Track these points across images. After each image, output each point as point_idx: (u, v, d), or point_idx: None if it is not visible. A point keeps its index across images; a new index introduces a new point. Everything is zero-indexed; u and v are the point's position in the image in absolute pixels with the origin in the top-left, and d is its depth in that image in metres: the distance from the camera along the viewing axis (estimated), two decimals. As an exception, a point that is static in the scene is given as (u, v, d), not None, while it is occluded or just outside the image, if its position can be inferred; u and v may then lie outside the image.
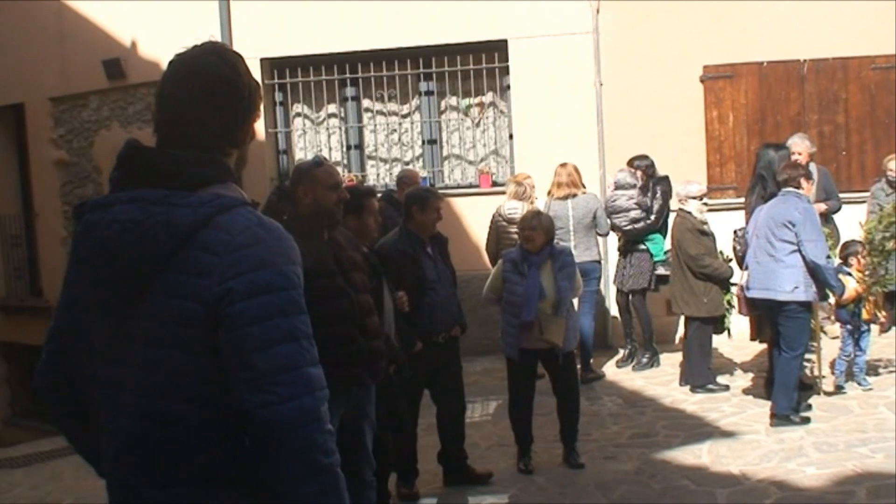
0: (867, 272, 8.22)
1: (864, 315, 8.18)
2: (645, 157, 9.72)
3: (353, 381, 4.75)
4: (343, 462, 4.92)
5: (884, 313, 8.59)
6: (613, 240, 10.05)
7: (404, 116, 11.93)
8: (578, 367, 9.48)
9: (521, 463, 6.94)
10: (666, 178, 9.62)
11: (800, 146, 8.60)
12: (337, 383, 4.52)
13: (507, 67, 11.29)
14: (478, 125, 11.79)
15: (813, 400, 7.94)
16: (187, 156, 2.28)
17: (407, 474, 6.56)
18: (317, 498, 2.19)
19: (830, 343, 9.05)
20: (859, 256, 8.20)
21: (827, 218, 8.81)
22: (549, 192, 9.54)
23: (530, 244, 6.91)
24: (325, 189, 4.69)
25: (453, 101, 11.77)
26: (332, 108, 12.03)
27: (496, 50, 11.30)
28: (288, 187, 4.91)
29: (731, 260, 8.69)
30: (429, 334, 6.36)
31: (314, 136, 12.09)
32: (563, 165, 9.57)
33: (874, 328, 8.93)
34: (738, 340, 9.55)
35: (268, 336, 2.14)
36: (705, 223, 8.79)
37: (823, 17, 10.76)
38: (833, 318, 8.60)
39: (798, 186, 7.48)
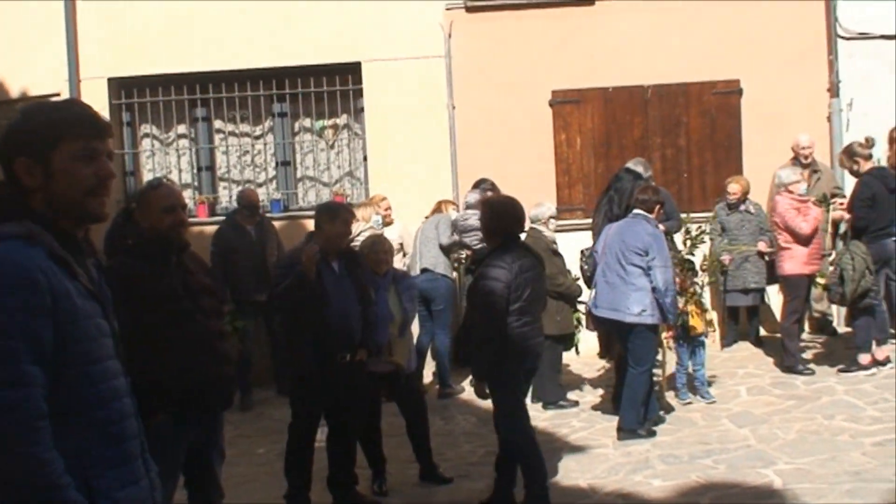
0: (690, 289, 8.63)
1: (690, 330, 8.55)
2: (485, 179, 9.94)
3: (203, 408, 4.65)
4: (191, 492, 4.88)
5: (711, 329, 8.93)
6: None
7: (257, 138, 11.80)
8: (437, 385, 9.65)
9: (375, 485, 6.93)
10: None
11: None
12: (185, 410, 4.47)
13: (361, 90, 11.32)
14: (332, 147, 11.77)
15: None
16: None
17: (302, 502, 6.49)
18: None
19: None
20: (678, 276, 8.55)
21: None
22: None
23: (382, 267, 6.97)
24: (159, 212, 4.56)
25: (307, 122, 11.71)
26: (181, 128, 11.80)
27: (350, 72, 11.31)
28: (133, 210, 4.81)
29: (578, 279, 8.91)
30: (328, 354, 6.15)
31: (163, 158, 11.83)
32: (441, 203, 10.07)
33: (716, 343, 9.33)
34: (586, 357, 9.77)
35: None
36: (555, 243, 9.01)
37: (666, 45, 11.19)
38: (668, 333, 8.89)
39: (650, 211, 7.76)
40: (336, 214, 6.37)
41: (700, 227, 8.86)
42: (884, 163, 9.66)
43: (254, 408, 9.76)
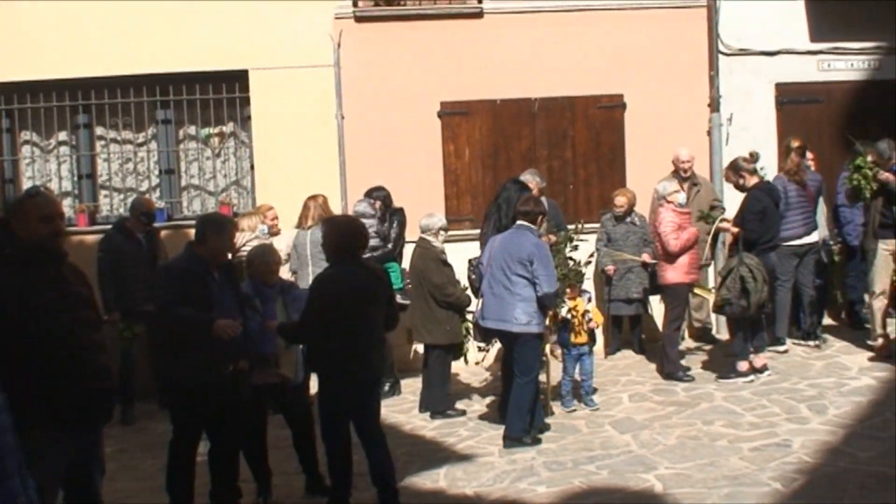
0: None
1: (574, 338, 8.71)
2: (382, 188, 9.96)
3: (82, 422, 4.54)
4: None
5: (597, 328, 9.09)
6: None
7: (140, 145, 11.54)
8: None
9: (260, 498, 6.84)
10: (401, 209, 9.92)
11: (531, 182, 9.09)
12: (64, 425, 4.35)
13: (248, 98, 11.20)
14: (218, 155, 11.60)
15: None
16: None
17: None
18: None
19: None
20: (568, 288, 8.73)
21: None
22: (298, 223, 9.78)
23: (272, 277, 6.92)
24: (36, 221, 4.45)
25: (192, 130, 11.52)
26: (62, 135, 11.46)
27: (236, 80, 11.17)
28: (10, 220, 4.67)
29: (467, 289, 8.99)
30: (212, 365, 6.05)
31: (43, 165, 11.48)
32: (313, 198, 9.71)
33: (599, 351, 9.51)
34: (474, 366, 9.85)
35: None
36: (444, 253, 9.08)
37: (553, 59, 11.38)
38: (554, 339, 9.02)
39: (533, 222, 7.87)
40: (223, 228, 6.35)
41: (569, 232, 9.02)
42: (769, 175, 10.07)
43: (136, 422, 9.52)
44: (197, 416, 6.25)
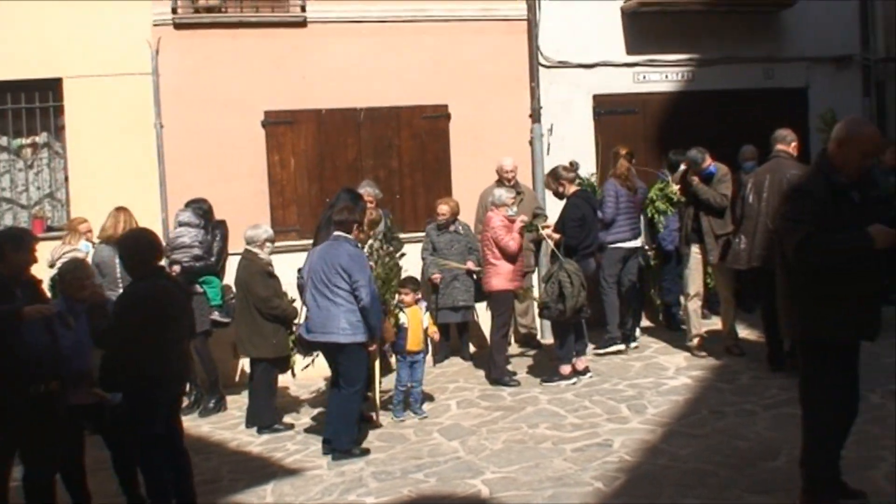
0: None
1: (409, 345, 8.75)
2: (203, 200, 9.72)
3: None
4: None
5: (433, 336, 9.19)
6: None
7: (-53, 157, 10.95)
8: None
9: (78, 523, 6.59)
10: (223, 221, 9.72)
11: (368, 194, 9.15)
12: None
13: (62, 107, 10.77)
14: (31, 167, 11.09)
15: (372, 432, 8.31)
16: None
17: None
18: None
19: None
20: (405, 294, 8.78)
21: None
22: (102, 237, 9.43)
23: (83, 292, 6.66)
24: None
25: (3, 140, 10.97)
26: None
27: (49, 88, 10.73)
28: None
29: (295, 300, 8.88)
30: (19, 386, 5.82)
31: None
32: (122, 210, 9.38)
33: (429, 359, 9.57)
34: (303, 378, 9.72)
35: None
36: (270, 265, 8.95)
37: (378, 69, 11.42)
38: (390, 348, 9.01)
39: (349, 231, 7.84)
40: (21, 243, 6.18)
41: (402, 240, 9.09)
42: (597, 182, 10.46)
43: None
44: (6, 440, 5.96)
